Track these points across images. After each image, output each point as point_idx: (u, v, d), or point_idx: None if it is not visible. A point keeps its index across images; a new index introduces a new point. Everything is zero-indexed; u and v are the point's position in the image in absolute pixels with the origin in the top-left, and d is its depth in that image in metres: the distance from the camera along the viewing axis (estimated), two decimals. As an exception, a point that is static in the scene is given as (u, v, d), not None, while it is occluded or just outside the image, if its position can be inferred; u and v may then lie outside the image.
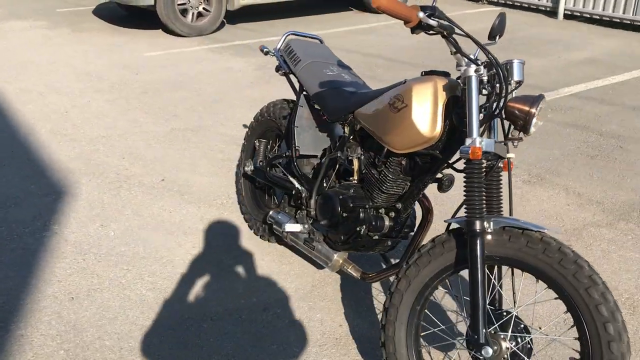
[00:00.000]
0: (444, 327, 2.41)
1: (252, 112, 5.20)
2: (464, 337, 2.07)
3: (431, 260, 2.06)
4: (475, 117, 1.95)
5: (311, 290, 2.88)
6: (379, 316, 2.71)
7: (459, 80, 2.05)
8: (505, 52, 7.23)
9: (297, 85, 2.90)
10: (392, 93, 2.25)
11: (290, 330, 2.60)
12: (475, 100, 1.95)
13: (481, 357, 1.94)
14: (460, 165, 2.13)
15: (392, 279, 2.57)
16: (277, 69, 3.03)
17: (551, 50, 7.46)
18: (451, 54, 2.02)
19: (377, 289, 2.91)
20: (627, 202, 3.80)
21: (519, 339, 1.98)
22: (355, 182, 2.56)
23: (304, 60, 2.84)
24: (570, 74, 6.44)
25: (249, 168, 3.14)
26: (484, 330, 1.91)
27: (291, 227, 2.68)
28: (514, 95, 2.00)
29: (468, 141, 1.94)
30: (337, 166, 2.64)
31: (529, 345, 2.00)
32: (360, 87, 2.63)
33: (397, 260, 2.64)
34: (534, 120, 1.96)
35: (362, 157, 2.52)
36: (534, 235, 1.90)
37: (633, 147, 4.62)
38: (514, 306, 2.06)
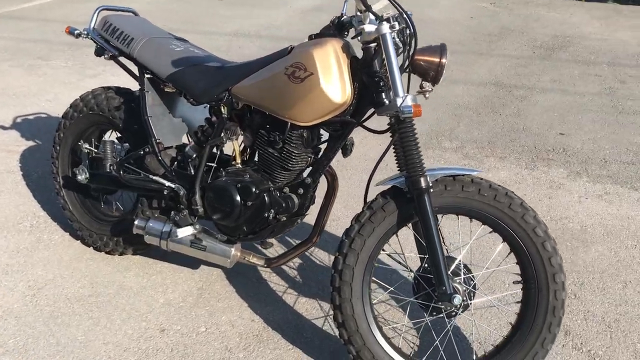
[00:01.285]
0: (392, 288, 2.38)
1: (19, 110, 4.32)
2: (418, 294, 2.09)
3: (375, 227, 2.01)
4: (398, 74, 1.92)
5: (200, 294, 2.58)
6: (285, 297, 2.57)
7: (351, 39, 1.99)
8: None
9: (135, 69, 2.47)
10: (284, 62, 2.06)
11: (203, 345, 2.31)
12: (394, 57, 1.91)
13: (448, 308, 1.99)
14: (371, 125, 2.09)
15: (297, 260, 2.44)
16: (99, 53, 2.53)
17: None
18: (359, 12, 1.93)
19: (266, 271, 2.74)
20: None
21: (470, 281, 2.07)
22: (241, 166, 2.33)
23: (139, 38, 2.42)
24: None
25: (83, 176, 2.61)
26: (449, 281, 1.95)
27: (183, 232, 2.33)
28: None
29: (399, 100, 1.90)
30: (218, 153, 2.36)
31: (474, 283, 2.11)
32: (223, 62, 2.35)
33: (298, 241, 2.51)
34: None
35: (247, 138, 2.29)
36: (465, 180, 1.98)
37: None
38: (458, 251, 2.14)
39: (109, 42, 2.52)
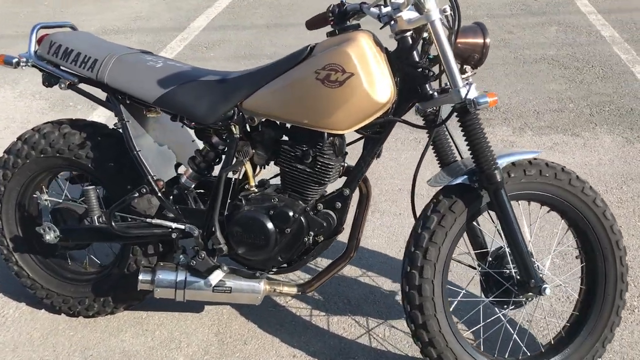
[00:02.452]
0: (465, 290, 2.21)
1: None
2: (490, 291, 1.97)
3: (447, 231, 1.84)
4: (454, 63, 1.74)
5: (222, 341, 2.24)
6: (315, 321, 2.32)
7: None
8: None
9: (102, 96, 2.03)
10: (312, 66, 1.79)
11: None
12: (448, 45, 1.73)
13: (529, 299, 1.90)
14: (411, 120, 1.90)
15: (299, 273, 2.16)
16: (49, 82, 2.05)
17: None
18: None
19: (279, 296, 2.46)
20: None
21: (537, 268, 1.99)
22: (257, 189, 2.02)
23: (103, 58, 1.98)
24: None
25: (52, 235, 2.12)
26: (536, 272, 1.85)
27: (214, 277, 1.98)
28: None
29: (462, 90, 1.73)
30: (236, 180, 2.02)
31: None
32: (219, 74, 2.00)
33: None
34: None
35: (260, 156, 1.99)
36: (525, 163, 1.88)
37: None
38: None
39: (60, 67, 2.04)
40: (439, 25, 1.71)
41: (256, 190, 2.02)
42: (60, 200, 2.18)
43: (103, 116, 4.00)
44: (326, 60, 1.78)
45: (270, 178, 2.13)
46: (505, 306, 1.98)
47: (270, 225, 1.94)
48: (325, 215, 1.98)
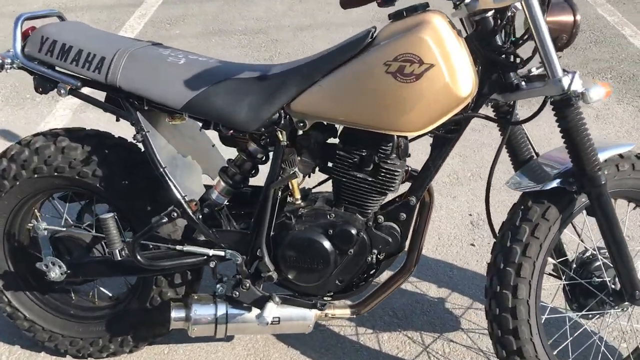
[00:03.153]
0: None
1: None
2: (578, 304, 1.75)
3: (541, 242, 1.59)
4: (552, 48, 1.47)
5: (262, 373, 1.95)
6: (363, 340, 2.05)
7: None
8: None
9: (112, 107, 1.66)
10: (379, 56, 1.48)
11: None
12: (545, 27, 1.45)
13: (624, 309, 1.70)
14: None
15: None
16: (43, 88, 1.66)
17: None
18: None
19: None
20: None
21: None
22: (303, 203, 1.72)
23: (112, 55, 1.61)
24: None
25: (58, 272, 1.75)
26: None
27: (268, 312, 1.67)
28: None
29: (565, 80, 1.45)
30: (280, 194, 1.69)
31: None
32: (256, 69, 1.65)
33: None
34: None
35: (306, 164, 1.68)
36: (616, 158, 1.65)
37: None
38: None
39: (55, 67, 1.65)
40: (535, 1, 1.43)
41: (303, 204, 1.72)
42: (62, 228, 1.81)
43: (69, 109, 3.55)
44: (398, 49, 1.47)
45: (314, 187, 1.83)
46: (590, 316, 1.78)
47: (330, 246, 1.65)
48: (389, 229, 1.69)
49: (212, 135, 1.75)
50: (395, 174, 1.62)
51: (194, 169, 1.79)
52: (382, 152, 1.61)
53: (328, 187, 1.78)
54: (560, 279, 1.78)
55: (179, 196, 1.63)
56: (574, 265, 1.77)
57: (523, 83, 1.54)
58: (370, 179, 1.63)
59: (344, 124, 1.59)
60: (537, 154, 1.76)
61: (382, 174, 1.62)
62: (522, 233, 1.59)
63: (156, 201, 1.72)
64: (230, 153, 1.76)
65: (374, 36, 1.54)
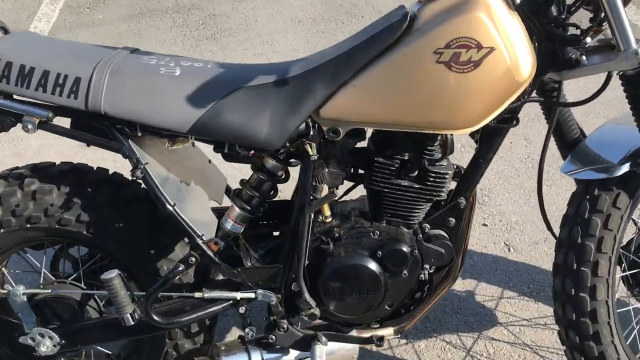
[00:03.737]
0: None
1: None
2: None
3: (615, 234, 1.42)
4: (624, 14, 1.26)
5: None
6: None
7: None
8: None
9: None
10: (425, 44, 1.23)
11: None
12: (619, -8, 1.24)
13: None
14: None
15: None
16: (1, 125, 1.30)
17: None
18: None
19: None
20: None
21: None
22: (336, 222, 1.47)
23: (90, 73, 1.26)
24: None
25: (49, 345, 1.43)
26: None
27: (318, 354, 1.42)
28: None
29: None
30: (312, 217, 1.42)
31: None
32: (270, 69, 1.35)
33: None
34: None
35: (335, 176, 1.43)
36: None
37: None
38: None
39: (14, 96, 1.29)
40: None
41: (335, 222, 1.46)
42: (44, 290, 1.47)
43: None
44: (450, 33, 1.22)
45: (340, 197, 1.57)
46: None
47: (379, 269, 1.41)
48: (439, 239, 1.47)
49: (206, 149, 1.45)
50: (446, 176, 1.40)
51: (201, 197, 1.49)
52: (428, 153, 1.38)
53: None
54: (620, 266, 1.63)
55: (196, 238, 1.34)
56: (632, 249, 1.62)
57: (584, 58, 1.34)
58: (416, 186, 1.40)
59: (386, 128, 1.33)
60: (584, 135, 1.57)
61: (431, 179, 1.39)
62: (594, 227, 1.41)
63: (161, 242, 1.42)
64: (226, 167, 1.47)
65: (412, 19, 1.28)
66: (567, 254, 1.44)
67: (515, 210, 2.38)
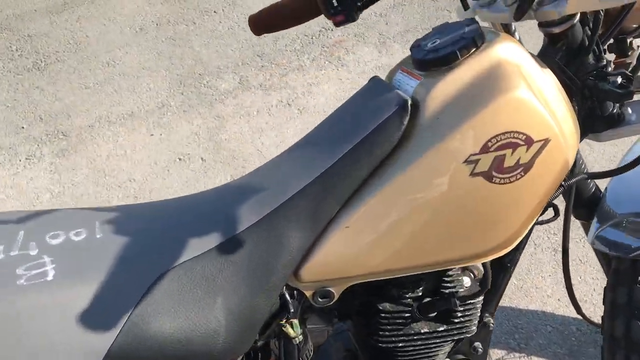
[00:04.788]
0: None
1: None
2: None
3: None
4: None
5: None
6: None
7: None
8: None
9: None
10: (449, 151, 0.80)
11: None
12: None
13: None
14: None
15: None
16: None
17: None
18: None
19: None
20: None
21: None
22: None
23: None
24: None
25: None
26: None
27: None
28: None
29: None
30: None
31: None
32: (195, 230, 0.82)
33: None
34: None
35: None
36: None
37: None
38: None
39: None
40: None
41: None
42: None
43: None
44: (486, 130, 0.79)
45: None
46: None
47: None
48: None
49: None
50: (478, 305, 0.99)
51: None
52: (450, 285, 0.96)
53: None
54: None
55: None
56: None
57: (629, 110, 0.97)
58: (441, 329, 0.97)
59: (399, 274, 0.88)
60: (599, 190, 1.22)
61: (460, 316, 0.97)
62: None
63: None
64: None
65: (413, 106, 0.83)
66: (629, 357, 1.11)
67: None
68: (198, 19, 3.32)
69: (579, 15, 0.89)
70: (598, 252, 1.24)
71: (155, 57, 3.07)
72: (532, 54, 0.86)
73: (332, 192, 0.81)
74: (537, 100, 0.80)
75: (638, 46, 1.01)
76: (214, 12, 3.37)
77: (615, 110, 0.96)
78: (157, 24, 3.32)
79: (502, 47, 0.82)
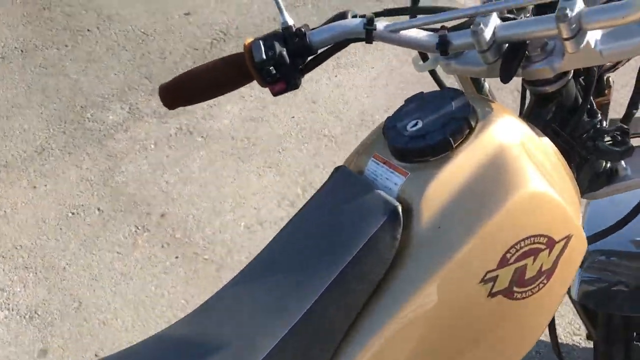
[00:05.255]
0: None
1: None
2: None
3: None
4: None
5: None
6: None
7: None
8: None
9: None
10: (463, 272, 0.62)
11: None
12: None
13: None
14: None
15: None
16: None
17: None
18: None
19: None
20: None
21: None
22: None
23: None
24: None
25: None
26: None
27: None
28: None
29: None
30: None
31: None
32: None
33: None
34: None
35: None
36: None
37: None
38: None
39: None
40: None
41: None
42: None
43: None
44: (503, 240, 0.62)
45: None
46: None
47: None
48: None
49: None
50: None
51: None
52: None
53: None
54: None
55: None
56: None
57: (623, 165, 0.84)
58: None
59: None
60: None
61: None
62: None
63: None
64: None
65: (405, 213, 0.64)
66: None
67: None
68: (70, 41, 2.92)
69: (572, 70, 0.74)
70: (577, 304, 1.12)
71: (26, 91, 2.67)
72: (529, 124, 0.70)
73: (318, 340, 0.61)
74: (552, 188, 0.64)
75: (613, 81, 0.89)
76: (88, 30, 2.99)
77: (609, 166, 0.83)
78: (21, 51, 2.89)
79: (500, 125, 0.65)
